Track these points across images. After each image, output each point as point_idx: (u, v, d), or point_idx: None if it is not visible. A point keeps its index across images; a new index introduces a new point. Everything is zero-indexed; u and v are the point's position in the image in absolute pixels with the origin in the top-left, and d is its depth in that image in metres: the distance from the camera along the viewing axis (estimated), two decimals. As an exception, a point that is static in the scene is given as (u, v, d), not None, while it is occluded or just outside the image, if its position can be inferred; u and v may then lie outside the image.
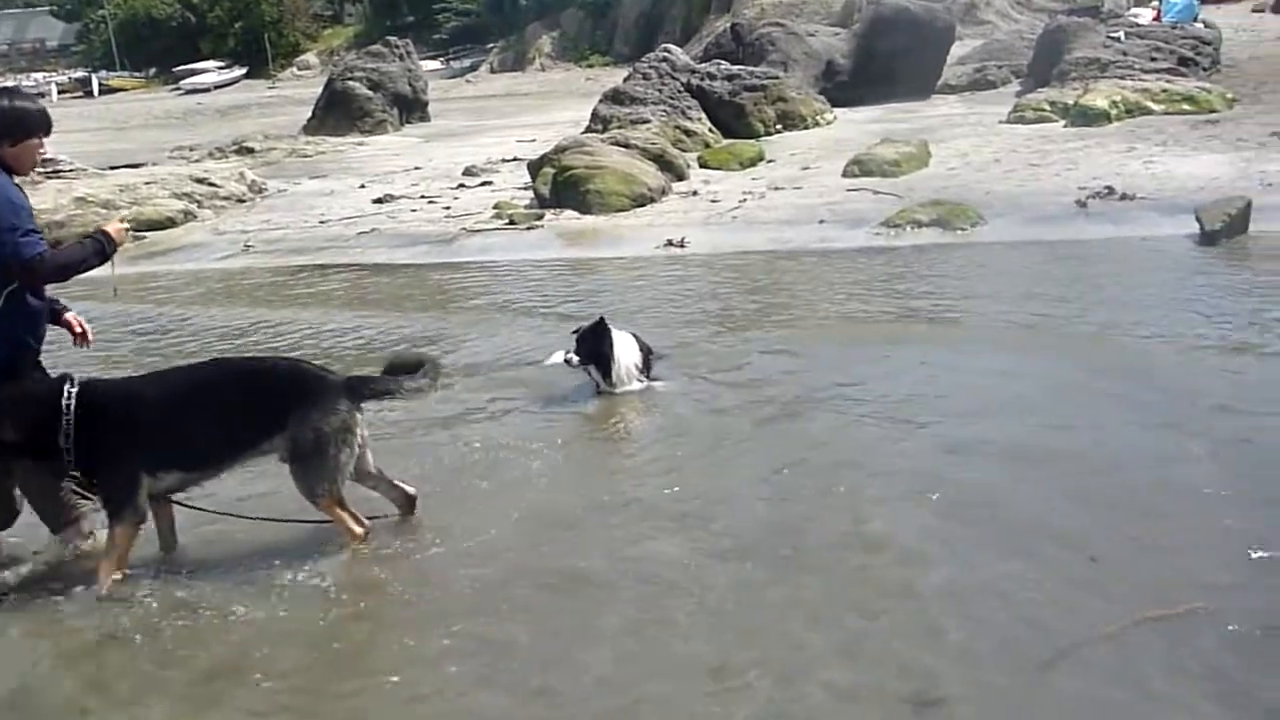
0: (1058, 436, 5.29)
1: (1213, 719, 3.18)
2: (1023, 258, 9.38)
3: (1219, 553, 4.08)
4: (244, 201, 15.15)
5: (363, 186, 15.74)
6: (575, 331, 6.31)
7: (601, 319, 6.30)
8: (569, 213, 12.37)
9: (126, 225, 4.91)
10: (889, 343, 7.13)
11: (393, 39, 26.06)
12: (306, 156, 20.14)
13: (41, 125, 4.33)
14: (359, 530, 4.45)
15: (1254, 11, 26.72)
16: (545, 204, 12.80)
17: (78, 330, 4.71)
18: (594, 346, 6.20)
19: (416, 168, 17.39)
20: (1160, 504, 4.52)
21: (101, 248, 4.39)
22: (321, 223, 13.43)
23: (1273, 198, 10.20)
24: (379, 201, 14.33)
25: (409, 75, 24.70)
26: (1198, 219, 9.33)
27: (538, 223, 12.15)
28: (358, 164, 18.53)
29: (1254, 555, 4.01)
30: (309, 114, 24.19)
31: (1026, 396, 5.89)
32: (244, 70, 43.99)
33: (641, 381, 6.30)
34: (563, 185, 12.77)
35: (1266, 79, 17.00)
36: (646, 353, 6.41)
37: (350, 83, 23.60)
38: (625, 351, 6.25)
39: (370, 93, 23.45)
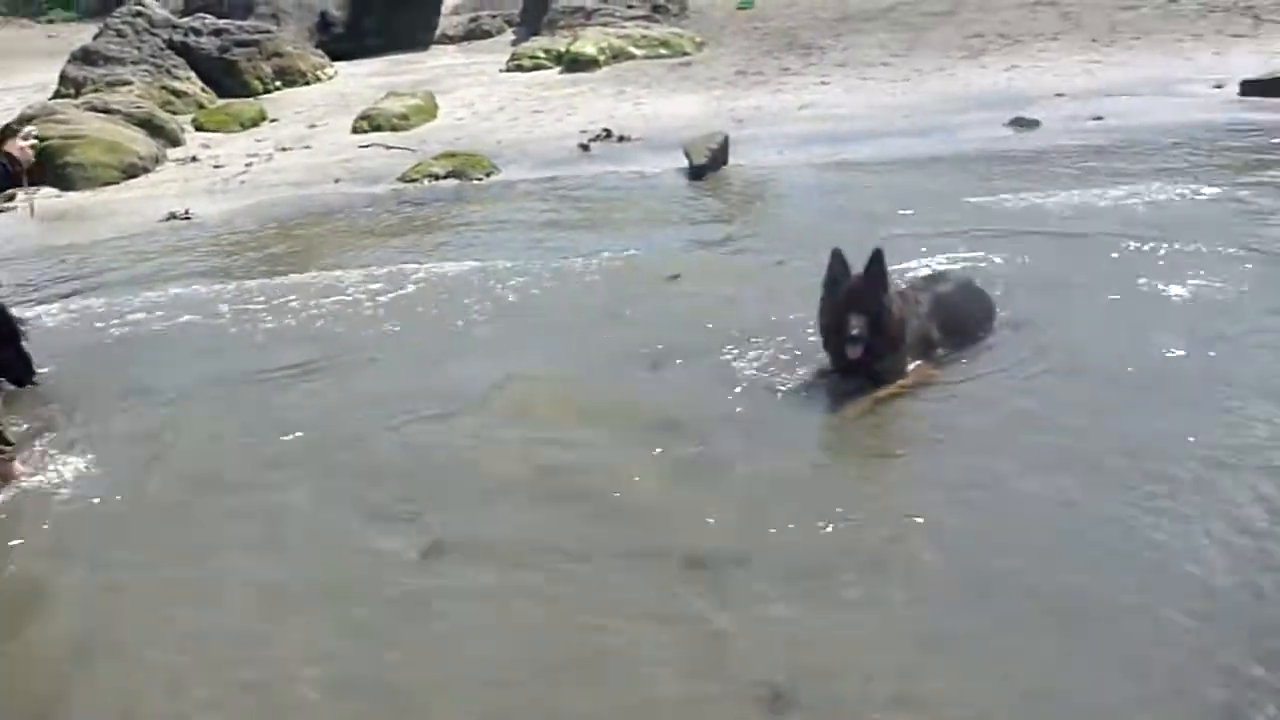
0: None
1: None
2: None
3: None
4: None
5: None
6: None
7: None
8: (46, 190, 10.94)
9: (30, 142, 4.79)
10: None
11: None
12: None
13: None
14: None
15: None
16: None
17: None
18: None
19: None
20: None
21: (5, 170, 4.47)
22: None
23: (744, 131, 11.39)
24: None
25: None
26: (686, 155, 10.19)
27: (6, 205, 10.62)
28: None
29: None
30: None
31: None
32: None
33: None
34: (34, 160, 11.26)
35: (726, 23, 18.86)
36: None
37: None
38: None
39: None
